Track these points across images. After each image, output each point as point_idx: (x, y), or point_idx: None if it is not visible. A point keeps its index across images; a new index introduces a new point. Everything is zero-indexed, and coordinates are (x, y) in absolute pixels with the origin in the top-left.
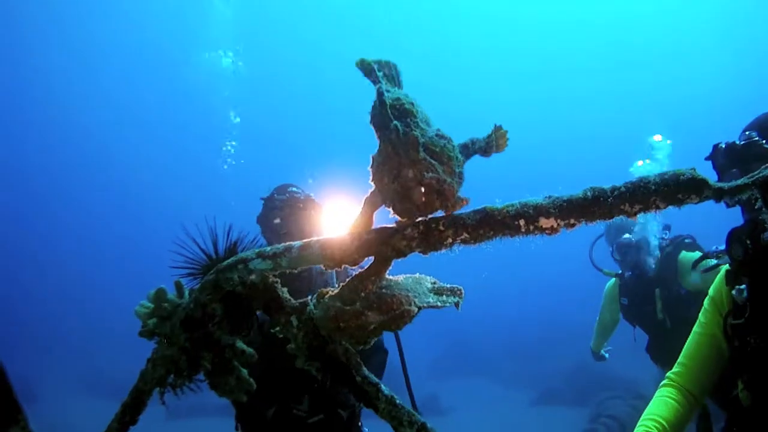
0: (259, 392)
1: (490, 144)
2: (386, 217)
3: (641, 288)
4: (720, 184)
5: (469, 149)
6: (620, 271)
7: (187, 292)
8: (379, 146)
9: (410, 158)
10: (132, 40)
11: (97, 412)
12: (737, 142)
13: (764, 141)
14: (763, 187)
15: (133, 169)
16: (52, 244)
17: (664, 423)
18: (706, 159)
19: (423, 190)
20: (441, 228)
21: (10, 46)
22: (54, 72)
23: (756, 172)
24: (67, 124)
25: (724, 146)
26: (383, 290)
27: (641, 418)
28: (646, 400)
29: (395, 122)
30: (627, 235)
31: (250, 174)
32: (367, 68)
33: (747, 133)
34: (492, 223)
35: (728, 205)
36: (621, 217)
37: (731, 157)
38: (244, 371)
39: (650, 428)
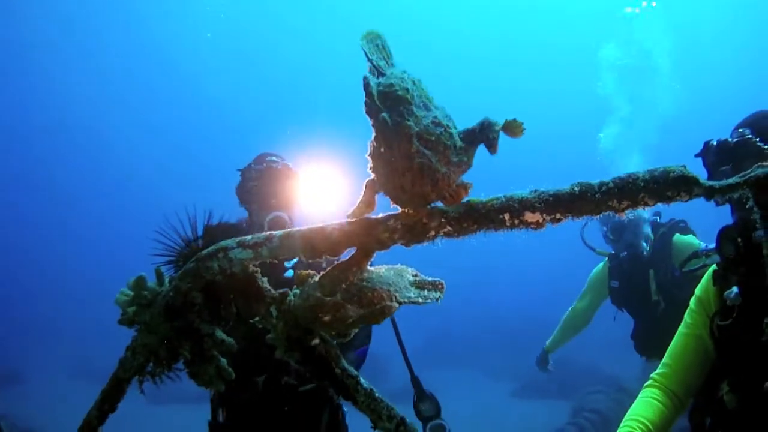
0: (248, 363)
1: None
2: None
3: (635, 269)
4: (711, 183)
5: (476, 135)
6: (614, 252)
7: (167, 280)
8: (374, 135)
9: (401, 151)
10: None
11: (83, 396)
12: (729, 140)
13: (758, 139)
14: (754, 186)
15: (115, 155)
16: (38, 232)
17: (648, 424)
18: (696, 156)
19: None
20: (424, 220)
21: None
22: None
23: (748, 171)
24: (40, 108)
25: (715, 143)
26: (364, 283)
27: (625, 419)
28: (628, 394)
29: (383, 114)
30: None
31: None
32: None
33: (740, 130)
34: (476, 217)
35: (718, 204)
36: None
37: (723, 154)
38: (224, 360)
39: (634, 428)
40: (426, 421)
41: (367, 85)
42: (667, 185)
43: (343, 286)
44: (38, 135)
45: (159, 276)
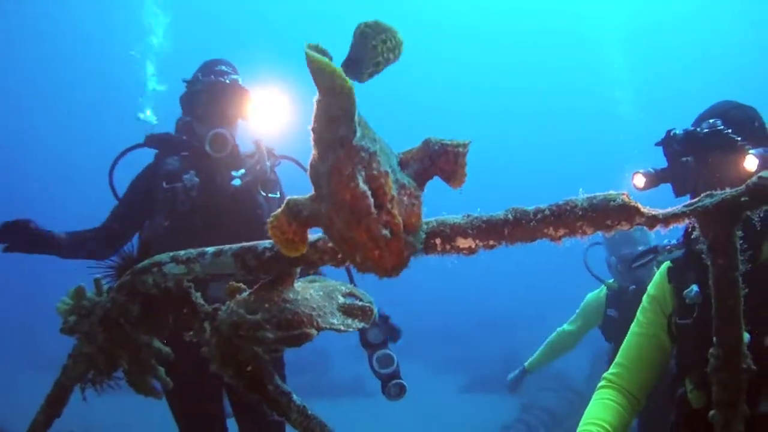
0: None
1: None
2: None
3: (639, 303)
4: (654, 212)
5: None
6: (618, 284)
7: (106, 290)
8: None
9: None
10: None
11: (32, 386)
12: (698, 130)
13: (729, 130)
14: (701, 216)
15: (60, 153)
16: None
17: (607, 427)
18: (657, 145)
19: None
20: None
21: None
22: None
23: (695, 201)
24: None
25: (681, 133)
26: (287, 305)
27: (582, 422)
28: (579, 395)
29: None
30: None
31: None
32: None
33: (711, 121)
34: None
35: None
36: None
37: (689, 144)
38: (162, 370)
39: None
40: (373, 349)
41: None
42: (607, 214)
43: (266, 305)
44: None
45: (98, 286)
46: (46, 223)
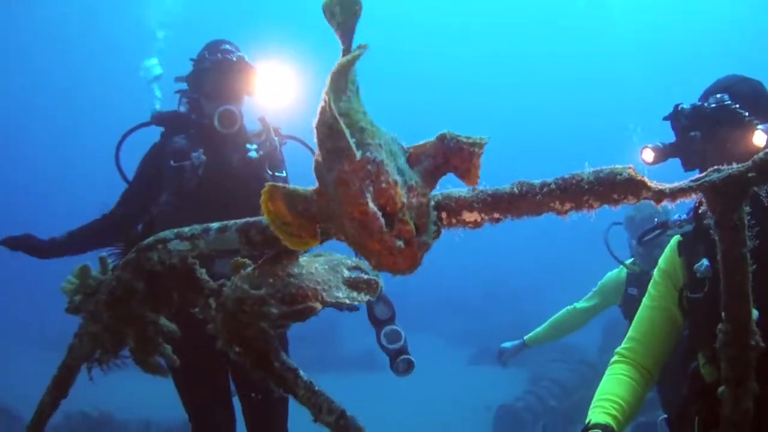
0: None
1: None
2: None
3: None
4: (661, 186)
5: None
6: (641, 267)
7: (111, 268)
8: None
9: None
10: None
11: (38, 364)
12: (705, 105)
13: (737, 105)
14: (708, 191)
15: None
16: None
17: (622, 402)
18: (665, 119)
19: None
20: None
21: None
22: None
23: (702, 175)
24: None
25: (688, 108)
26: (292, 279)
27: (596, 398)
28: (590, 366)
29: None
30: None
31: None
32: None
33: (718, 96)
34: None
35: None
36: (640, 208)
37: (696, 119)
38: (168, 348)
39: (607, 409)
40: (380, 325)
41: None
42: (614, 188)
43: (270, 280)
44: None
45: (103, 264)
46: (47, 217)
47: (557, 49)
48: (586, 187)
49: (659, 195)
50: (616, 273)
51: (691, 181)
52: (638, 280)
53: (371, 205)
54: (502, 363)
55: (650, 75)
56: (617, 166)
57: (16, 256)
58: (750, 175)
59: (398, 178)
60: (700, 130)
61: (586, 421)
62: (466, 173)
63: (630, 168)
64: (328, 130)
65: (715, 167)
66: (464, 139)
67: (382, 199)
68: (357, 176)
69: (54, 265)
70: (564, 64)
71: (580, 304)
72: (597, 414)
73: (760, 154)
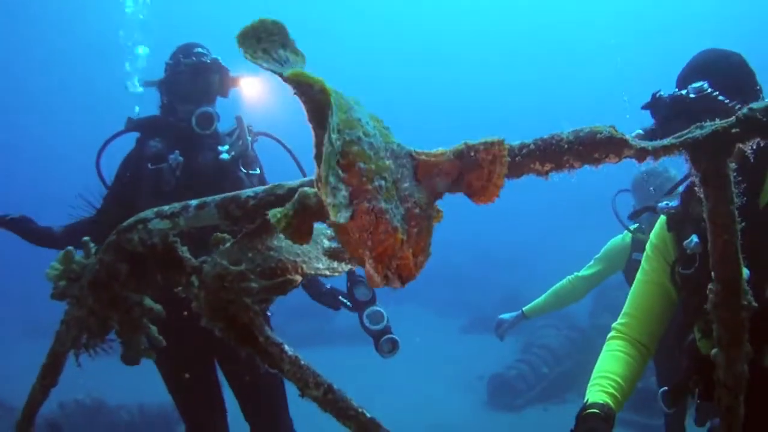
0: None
1: None
2: None
3: None
4: (643, 144)
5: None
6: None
7: (94, 251)
8: None
9: None
10: None
11: (34, 355)
12: (687, 95)
13: (717, 93)
14: (691, 148)
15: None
16: None
17: (619, 380)
18: (643, 108)
19: None
20: None
21: None
22: None
23: (684, 132)
24: None
25: (667, 98)
26: (271, 252)
27: (593, 376)
28: (581, 332)
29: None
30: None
31: None
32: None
33: (698, 85)
34: None
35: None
36: (648, 173)
37: (677, 109)
38: (154, 328)
39: (605, 387)
40: (362, 307)
41: None
42: (594, 147)
43: (250, 254)
44: None
45: (86, 248)
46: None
47: (550, 21)
48: (566, 147)
49: (641, 153)
50: (621, 239)
51: (674, 137)
52: (644, 245)
53: (369, 262)
54: (500, 335)
55: (641, 47)
56: (597, 125)
57: (4, 244)
58: (734, 130)
59: (399, 225)
60: (680, 119)
61: (584, 401)
62: (481, 191)
63: (611, 127)
64: (324, 181)
65: (699, 123)
66: (482, 148)
67: (381, 248)
68: (356, 226)
69: (44, 252)
70: (556, 35)
71: (582, 272)
72: (594, 393)
73: (744, 110)
